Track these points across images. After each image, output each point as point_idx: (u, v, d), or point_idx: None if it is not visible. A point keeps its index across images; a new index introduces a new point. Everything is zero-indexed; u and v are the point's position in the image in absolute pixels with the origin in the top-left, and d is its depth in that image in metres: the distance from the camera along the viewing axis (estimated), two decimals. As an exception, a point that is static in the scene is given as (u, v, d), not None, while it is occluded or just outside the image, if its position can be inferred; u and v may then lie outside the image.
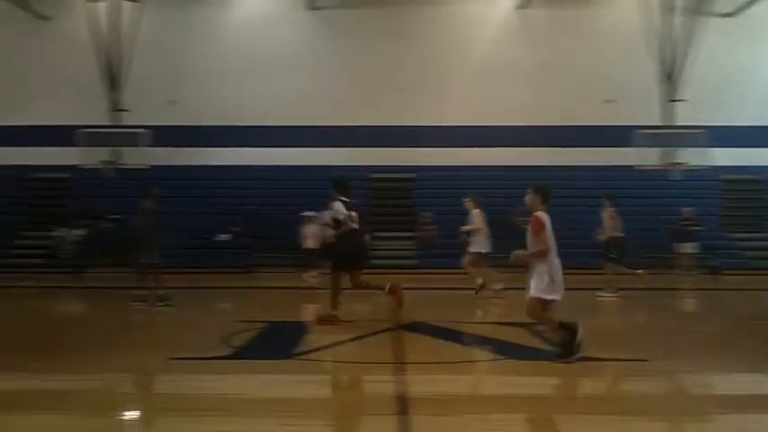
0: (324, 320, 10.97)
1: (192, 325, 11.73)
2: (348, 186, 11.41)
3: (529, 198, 8.09)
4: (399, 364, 7.88)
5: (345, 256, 11.07)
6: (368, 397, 6.77)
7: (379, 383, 7.15)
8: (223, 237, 22.93)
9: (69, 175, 24.95)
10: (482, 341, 9.31)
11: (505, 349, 8.90)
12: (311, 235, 19.40)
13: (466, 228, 14.87)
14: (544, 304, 7.90)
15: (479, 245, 14.54)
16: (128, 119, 25.48)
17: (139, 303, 13.06)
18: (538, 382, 7.59)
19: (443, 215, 22.85)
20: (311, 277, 17.89)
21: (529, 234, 7.99)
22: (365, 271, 11.25)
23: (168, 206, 22.91)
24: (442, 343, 9.59)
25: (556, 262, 7.87)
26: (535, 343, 9.36)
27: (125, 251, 14.35)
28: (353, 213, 11.10)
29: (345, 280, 11.15)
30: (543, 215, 7.93)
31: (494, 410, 6.32)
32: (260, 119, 25.31)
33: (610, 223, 14.93)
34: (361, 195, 22.95)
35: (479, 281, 14.51)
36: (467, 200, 15.03)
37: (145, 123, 24.86)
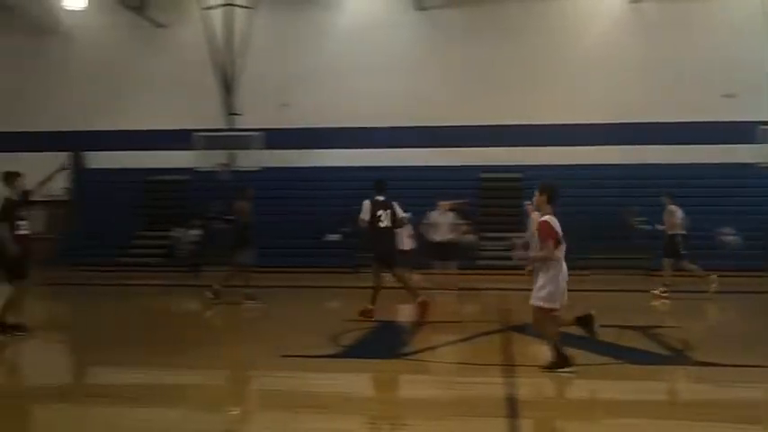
0: (365, 314, 11.24)
1: (302, 323, 11.92)
2: (384, 186, 11.88)
3: (537, 198, 7.62)
4: (509, 366, 7.76)
5: (375, 254, 11.66)
6: (476, 398, 6.68)
7: (488, 385, 7.06)
8: (333, 237, 23.22)
9: (186, 177, 25.83)
10: (594, 344, 9.04)
11: (619, 352, 8.62)
12: (407, 236, 19.51)
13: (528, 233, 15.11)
14: (545, 313, 7.41)
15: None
16: (241, 122, 26.24)
17: (250, 301, 13.39)
18: (652, 387, 7.33)
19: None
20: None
21: (537, 236, 7.53)
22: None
23: (279, 207, 23.59)
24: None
25: (561, 271, 7.35)
26: (651, 347, 9.06)
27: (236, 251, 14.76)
28: (380, 212, 11.54)
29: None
30: (552, 219, 7.37)
31: (605, 415, 6.13)
32: (369, 120, 25.48)
33: (671, 221, 14.53)
34: (470, 195, 22.88)
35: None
36: (528, 203, 15.13)
37: (258, 126, 25.58)
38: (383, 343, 10.05)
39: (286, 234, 22.44)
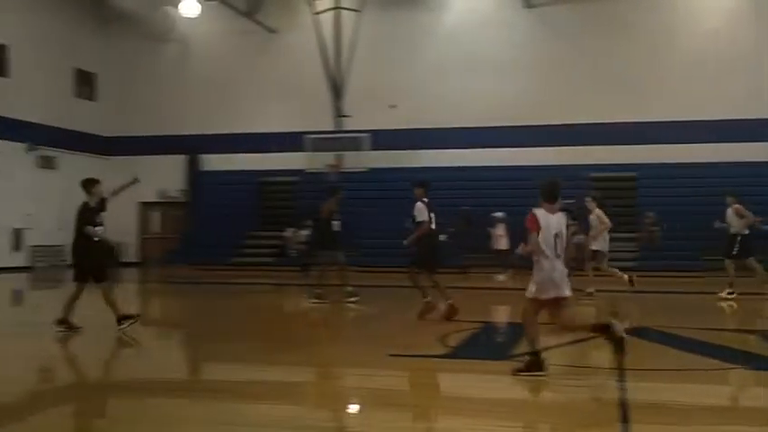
0: (424, 313, 11.34)
1: (410, 323, 11.96)
2: (428, 188, 12.06)
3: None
4: (620, 370, 7.56)
5: (423, 255, 11.60)
6: (587, 402, 6.55)
7: (600, 389, 6.91)
8: (440, 237, 23.19)
9: (297, 178, 26.37)
10: (710, 348, 8.71)
11: (736, 357, 8.27)
12: (502, 236, 19.45)
13: (594, 233, 15.09)
14: (536, 307, 7.31)
15: (599, 243, 14.89)
16: (350, 124, 26.58)
17: (352, 299, 13.59)
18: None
19: (669, 215, 21.78)
20: (506, 278, 17.93)
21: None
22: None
23: (386, 208, 23.74)
24: (666, 349, 9.09)
25: (549, 263, 7.14)
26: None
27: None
28: (432, 215, 11.70)
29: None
30: (540, 212, 7.24)
31: (722, 422, 5.89)
32: (476, 120, 25.35)
33: (735, 220, 14.22)
34: (581, 195, 22.44)
35: (591, 290, 14.65)
36: (588, 199, 15.32)
37: (366, 128, 25.85)
38: (492, 344, 9.98)
39: (394, 234, 22.57)
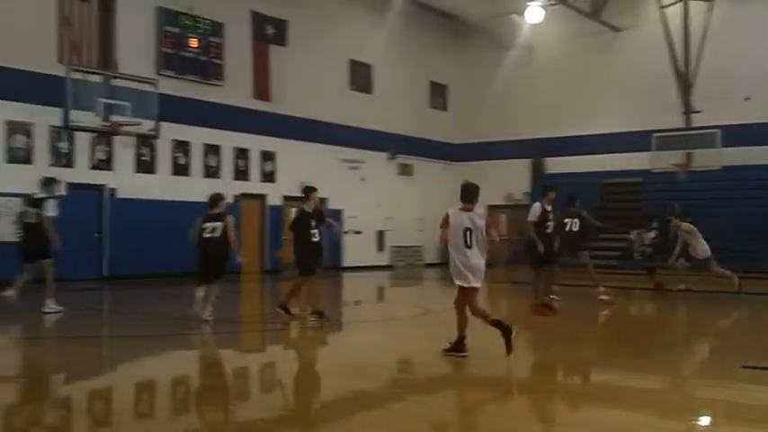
0: (538, 312, 12.42)
1: (765, 332, 11.39)
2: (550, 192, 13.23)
3: None
4: None
5: (537, 254, 12.78)
6: None
7: None
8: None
9: (641, 179, 25.83)
10: None
11: None
12: None
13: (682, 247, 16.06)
14: (459, 292, 8.45)
15: (697, 252, 15.86)
16: (699, 120, 25.43)
17: (606, 300, 13.60)
18: None
19: None
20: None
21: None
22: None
23: (740, 208, 22.37)
24: None
25: (458, 255, 8.34)
26: None
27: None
28: (549, 223, 12.94)
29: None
30: (453, 212, 8.49)
31: None
32: None
33: None
34: None
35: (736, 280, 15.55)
36: (670, 218, 15.99)
37: (716, 123, 24.52)
38: None
39: (748, 237, 21.25)
